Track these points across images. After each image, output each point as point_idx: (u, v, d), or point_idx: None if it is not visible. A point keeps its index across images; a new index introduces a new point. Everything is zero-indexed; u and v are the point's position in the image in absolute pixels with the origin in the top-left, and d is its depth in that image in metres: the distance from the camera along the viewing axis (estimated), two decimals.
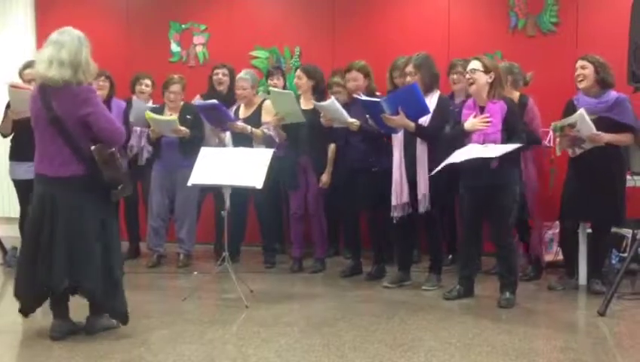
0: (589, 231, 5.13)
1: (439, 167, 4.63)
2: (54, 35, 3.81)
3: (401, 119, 4.86)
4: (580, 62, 4.90)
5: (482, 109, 4.63)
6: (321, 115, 5.39)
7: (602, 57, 4.86)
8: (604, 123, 4.74)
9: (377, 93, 5.39)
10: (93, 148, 3.75)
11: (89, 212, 3.80)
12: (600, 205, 4.83)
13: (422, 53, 5.09)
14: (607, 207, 4.85)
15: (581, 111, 4.69)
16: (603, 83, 4.83)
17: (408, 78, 5.03)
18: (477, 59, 4.70)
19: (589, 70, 4.83)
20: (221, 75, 6.28)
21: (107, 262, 3.84)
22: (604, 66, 4.82)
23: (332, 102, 5.26)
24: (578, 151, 4.83)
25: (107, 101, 5.77)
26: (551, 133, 5.16)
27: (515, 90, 5.25)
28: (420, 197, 5.00)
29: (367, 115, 5.13)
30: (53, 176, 3.78)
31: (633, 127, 4.81)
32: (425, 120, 4.93)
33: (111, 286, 3.86)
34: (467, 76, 4.67)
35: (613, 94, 4.83)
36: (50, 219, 3.76)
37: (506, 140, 4.53)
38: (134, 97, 6.17)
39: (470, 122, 4.61)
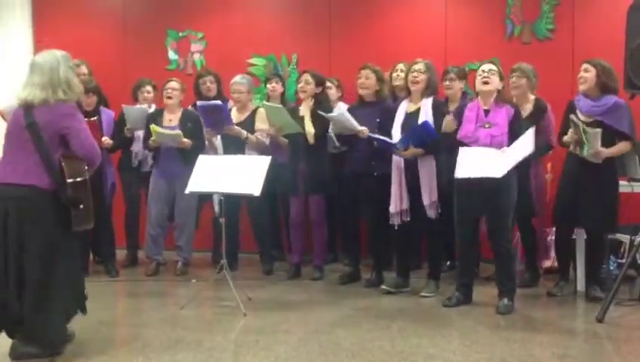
0: (585, 237, 5.14)
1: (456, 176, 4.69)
2: (33, 59, 3.78)
3: (413, 151, 5.03)
4: (583, 65, 4.95)
5: (486, 112, 4.69)
6: (331, 124, 5.49)
7: (608, 63, 4.88)
8: (599, 127, 4.74)
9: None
10: (63, 157, 3.60)
11: (40, 231, 3.55)
12: (591, 211, 4.84)
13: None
14: (598, 213, 4.85)
15: (600, 131, 4.71)
16: (604, 87, 4.85)
17: (415, 74, 5.12)
18: (492, 63, 4.83)
19: (591, 73, 4.87)
20: (208, 82, 6.27)
21: (45, 289, 3.55)
22: (607, 71, 4.84)
23: (341, 113, 5.34)
24: (575, 150, 4.85)
25: (96, 111, 5.78)
26: None
27: (532, 94, 5.34)
28: (427, 203, 5.02)
29: (375, 142, 5.20)
30: (12, 183, 3.58)
31: (628, 135, 4.82)
32: None
33: (41, 314, 3.56)
34: (484, 75, 4.72)
35: (611, 99, 4.83)
36: (4, 236, 3.57)
37: (509, 145, 4.60)
38: (124, 106, 6.05)
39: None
